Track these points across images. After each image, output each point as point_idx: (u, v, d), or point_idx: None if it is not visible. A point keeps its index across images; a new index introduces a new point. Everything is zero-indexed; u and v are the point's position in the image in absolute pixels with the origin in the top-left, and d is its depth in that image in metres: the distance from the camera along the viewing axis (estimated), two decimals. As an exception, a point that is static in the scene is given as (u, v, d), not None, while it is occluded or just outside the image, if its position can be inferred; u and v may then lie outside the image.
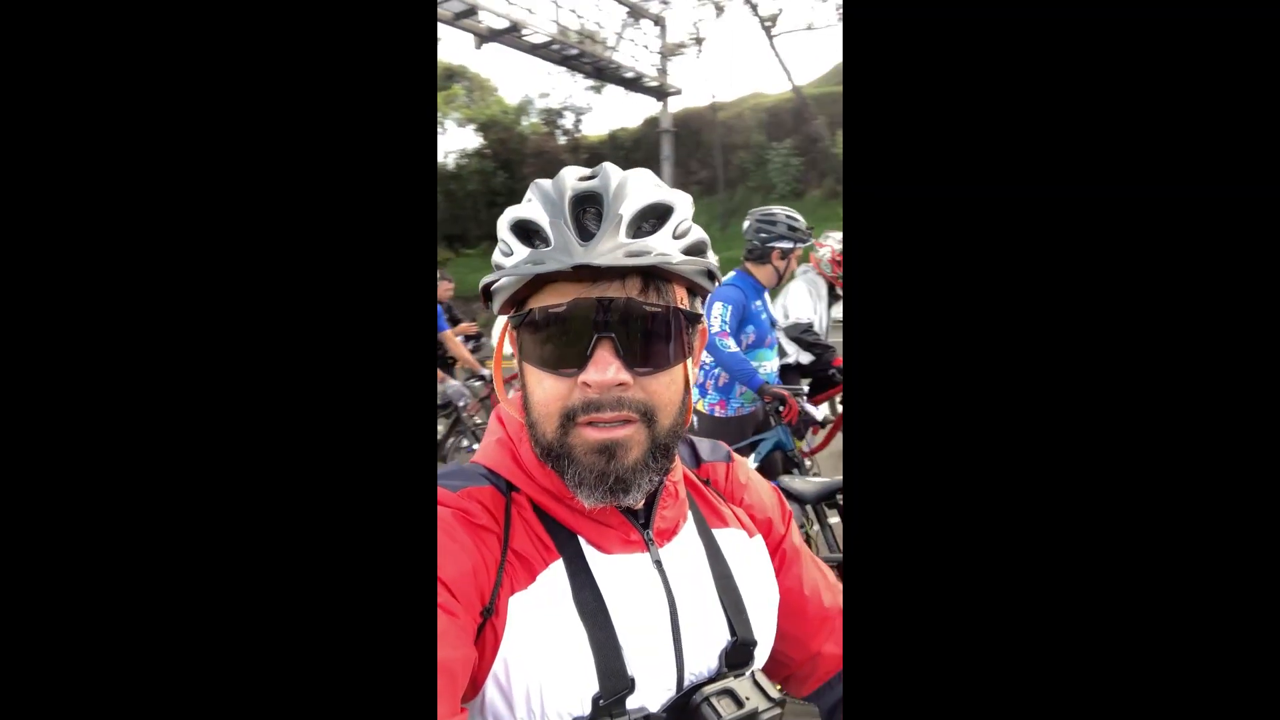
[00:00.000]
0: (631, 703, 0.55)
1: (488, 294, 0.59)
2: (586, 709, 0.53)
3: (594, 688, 0.53)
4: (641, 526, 0.61)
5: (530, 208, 0.57)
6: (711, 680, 0.59)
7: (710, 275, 0.58)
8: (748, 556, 0.67)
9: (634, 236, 0.54)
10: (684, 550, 0.63)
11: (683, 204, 0.58)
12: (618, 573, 0.58)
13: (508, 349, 0.62)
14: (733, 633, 0.62)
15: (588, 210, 0.55)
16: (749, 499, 0.72)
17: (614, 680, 0.54)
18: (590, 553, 0.59)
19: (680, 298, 0.58)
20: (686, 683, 0.59)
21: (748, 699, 0.58)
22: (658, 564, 0.61)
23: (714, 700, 0.57)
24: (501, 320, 0.61)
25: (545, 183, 0.59)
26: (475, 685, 0.53)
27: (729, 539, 0.67)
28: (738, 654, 0.61)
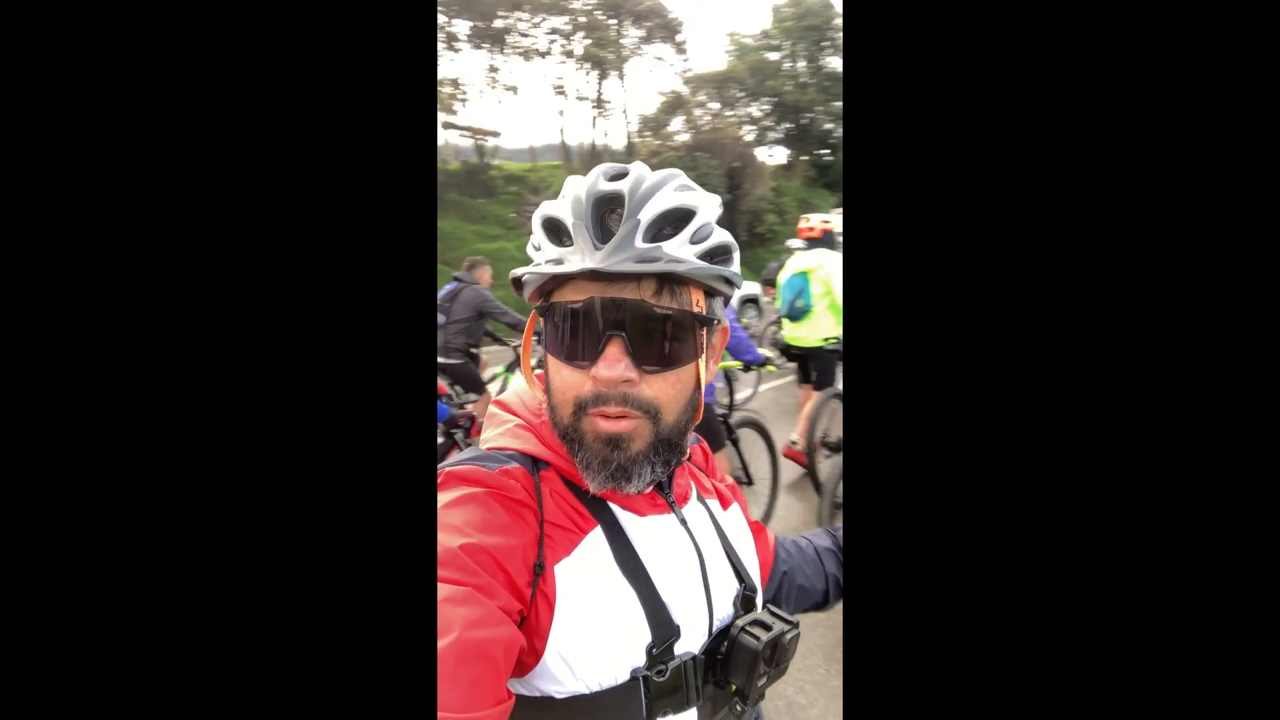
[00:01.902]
0: (678, 648, 0.61)
1: (518, 284, 0.63)
2: (642, 660, 0.59)
3: (646, 639, 0.59)
4: (663, 491, 0.67)
5: (560, 205, 0.59)
6: (734, 621, 0.66)
7: (728, 281, 0.60)
8: (730, 521, 0.75)
9: (652, 240, 0.56)
10: (696, 512, 0.70)
11: (706, 208, 0.59)
12: (652, 533, 0.64)
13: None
14: (740, 581, 0.69)
15: (612, 211, 0.58)
16: (720, 474, 0.82)
17: (664, 630, 0.60)
18: (625, 516, 0.64)
19: (697, 300, 0.60)
20: (715, 627, 0.65)
21: (773, 625, 0.65)
22: (683, 523, 0.67)
23: (749, 629, 0.64)
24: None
25: (578, 180, 0.61)
26: (537, 654, 0.57)
27: (715, 507, 0.75)
28: (747, 599, 0.69)
